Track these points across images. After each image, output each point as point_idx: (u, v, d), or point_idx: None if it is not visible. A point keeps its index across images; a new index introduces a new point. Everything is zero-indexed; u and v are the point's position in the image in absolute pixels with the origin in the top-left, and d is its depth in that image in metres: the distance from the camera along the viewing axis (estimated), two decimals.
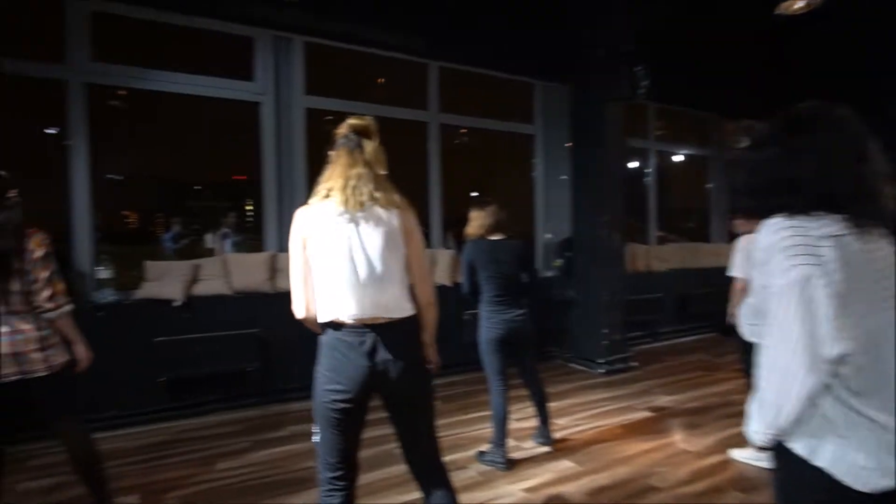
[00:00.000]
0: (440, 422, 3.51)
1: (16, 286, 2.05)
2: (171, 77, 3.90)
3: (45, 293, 2.10)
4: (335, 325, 1.70)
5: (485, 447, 3.20)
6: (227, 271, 4.14)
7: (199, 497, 2.79)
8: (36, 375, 2.07)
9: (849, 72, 6.62)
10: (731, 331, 3.34)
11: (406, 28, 4.48)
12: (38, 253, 2.10)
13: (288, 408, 4.09)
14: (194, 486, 2.89)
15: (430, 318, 1.85)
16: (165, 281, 3.93)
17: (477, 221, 3.12)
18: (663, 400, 4.33)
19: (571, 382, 4.82)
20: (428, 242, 5.10)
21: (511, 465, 3.07)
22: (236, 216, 6.58)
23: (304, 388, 4.19)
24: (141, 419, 3.75)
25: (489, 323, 3.08)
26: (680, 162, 7.55)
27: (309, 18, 4.10)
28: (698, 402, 4.26)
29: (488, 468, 3.04)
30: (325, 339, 1.74)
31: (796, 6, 4.21)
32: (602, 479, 2.93)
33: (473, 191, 6.11)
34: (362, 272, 1.65)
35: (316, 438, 1.75)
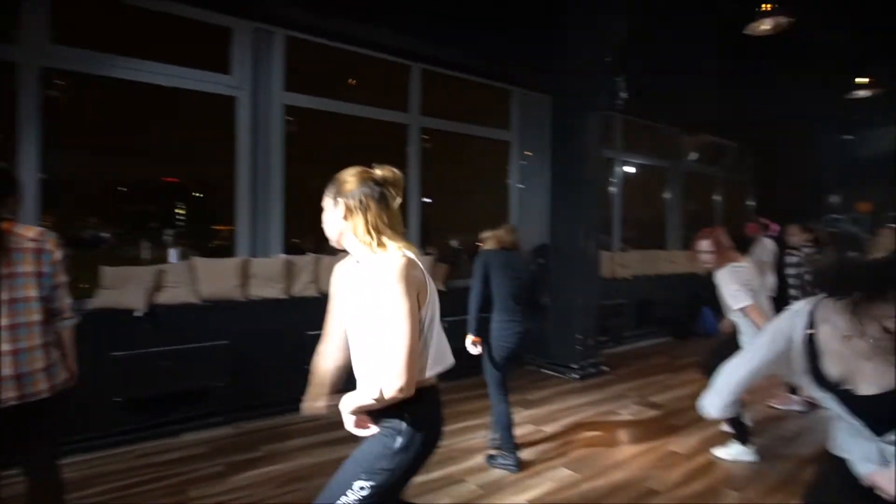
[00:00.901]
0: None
1: (33, 292, 1.80)
2: (139, 65, 3.57)
3: (68, 300, 1.93)
4: (432, 384, 1.60)
5: (494, 452, 3.18)
6: (194, 278, 3.83)
7: None
8: (39, 398, 1.80)
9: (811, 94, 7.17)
10: (686, 335, 3.49)
11: (391, 27, 4.36)
12: (58, 255, 1.88)
13: (263, 425, 3.82)
14: None
15: None
16: (125, 289, 3.58)
17: (496, 235, 3.21)
18: (640, 403, 4.43)
19: (549, 388, 4.84)
20: None
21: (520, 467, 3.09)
22: (163, 221, 5.98)
23: (279, 402, 3.99)
24: (98, 444, 3.37)
25: (504, 334, 3.08)
26: (637, 172, 7.81)
27: (293, 11, 3.89)
28: (673, 404, 4.38)
29: (486, 481, 2.96)
30: (427, 400, 1.57)
31: (763, 27, 4.48)
32: (601, 485, 2.93)
33: (447, 196, 6.03)
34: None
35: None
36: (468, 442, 3.52)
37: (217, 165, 4.52)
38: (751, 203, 9.15)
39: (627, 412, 4.21)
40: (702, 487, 2.91)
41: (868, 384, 1.21)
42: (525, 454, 3.29)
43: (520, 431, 3.70)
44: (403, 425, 1.49)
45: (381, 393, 1.39)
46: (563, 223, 5.39)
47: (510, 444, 3.10)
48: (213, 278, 3.87)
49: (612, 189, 7.03)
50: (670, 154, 7.79)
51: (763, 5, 4.48)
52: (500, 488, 2.88)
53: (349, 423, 1.55)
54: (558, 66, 5.22)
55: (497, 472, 3.06)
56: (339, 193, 1.54)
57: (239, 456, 3.30)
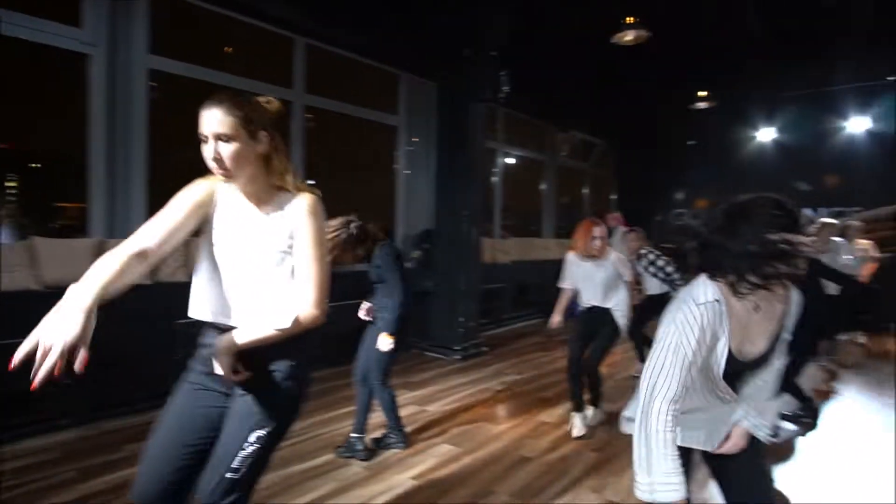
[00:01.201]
0: (305, 423, 3.38)
1: None
2: None
3: None
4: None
5: (379, 434, 3.24)
6: (36, 261, 3.33)
7: None
8: None
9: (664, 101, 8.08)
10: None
11: None
12: None
13: (125, 423, 3.46)
14: None
15: None
16: None
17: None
18: (515, 379, 4.75)
19: (432, 370, 4.99)
20: None
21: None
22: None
23: (144, 399, 3.61)
24: None
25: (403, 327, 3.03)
26: (516, 164, 8.29)
27: None
28: (545, 379, 4.77)
29: (372, 463, 3.00)
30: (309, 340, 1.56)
31: (626, 38, 4.98)
32: (480, 457, 3.12)
33: (333, 179, 5.88)
34: None
35: None
36: (349, 428, 3.51)
37: (63, 133, 3.94)
38: (614, 197, 10.17)
39: (505, 387, 4.50)
40: (568, 451, 3.23)
41: (752, 347, 1.38)
42: (409, 433, 3.39)
43: (404, 413, 3.77)
44: (294, 365, 1.49)
45: (297, 322, 1.42)
46: (448, 210, 5.55)
47: (397, 423, 3.18)
48: (60, 262, 3.40)
49: (494, 179, 7.38)
50: (545, 148, 8.36)
51: (627, 18, 4.98)
52: (386, 468, 2.93)
53: (224, 365, 1.40)
54: (445, 55, 5.32)
55: (382, 454, 3.11)
56: (259, 122, 1.40)
57: (95, 459, 2.96)
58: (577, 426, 3.45)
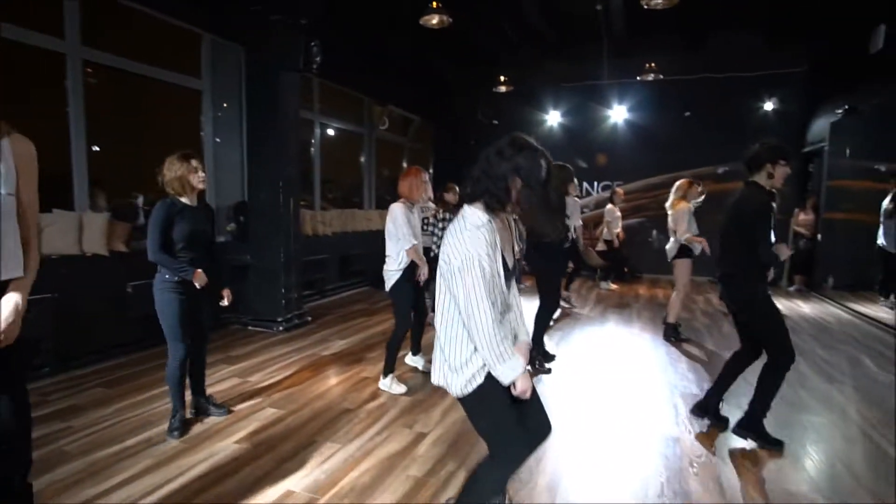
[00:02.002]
0: (111, 408, 3.18)
1: None
2: None
3: None
4: None
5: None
6: None
7: None
8: None
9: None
10: (382, 283, 3.98)
11: None
12: None
13: None
14: None
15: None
16: None
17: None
18: (339, 344, 4.98)
19: (254, 343, 4.94)
20: (71, 204, 4.20)
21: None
22: None
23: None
24: None
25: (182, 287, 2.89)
26: (336, 137, 8.31)
27: None
28: (368, 341, 5.08)
29: (189, 436, 2.96)
30: None
31: (433, 21, 5.36)
32: (304, 414, 3.30)
33: (127, 145, 5.25)
34: None
35: None
36: (165, 406, 3.38)
37: None
38: (431, 171, 10.84)
39: (328, 352, 4.69)
40: (384, 399, 3.58)
41: (508, 258, 1.74)
42: (232, 403, 3.40)
43: (224, 386, 3.77)
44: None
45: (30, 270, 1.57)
46: (262, 181, 5.42)
47: (180, 402, 3.02)
48: None
49: (312, 150, 7.33)
50: (364, 121, 8.54)
51: (433, 3, 5.37)
52: (206, 438, 2.93)
53: None
54: (254, 20, 5.10)
55: (199, 426, 3.08)
56: None
57: None
58: (396, 386, 3.71)
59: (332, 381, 3.95)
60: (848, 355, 4.81)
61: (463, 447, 2.83)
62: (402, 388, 3.70)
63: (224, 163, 5.63)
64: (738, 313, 2.99)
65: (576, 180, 5.30)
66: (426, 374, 4.11)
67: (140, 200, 5.39)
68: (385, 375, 3.76)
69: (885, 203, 6.80)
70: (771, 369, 2.86)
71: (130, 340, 4.43)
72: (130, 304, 4.30)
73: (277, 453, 2.76)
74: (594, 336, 5.45)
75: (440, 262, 1.69)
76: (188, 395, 3.13)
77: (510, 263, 1.77)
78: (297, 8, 5.03)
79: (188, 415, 3.15)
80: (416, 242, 3.64)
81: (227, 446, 2.83)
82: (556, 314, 5.78)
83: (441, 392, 3.71)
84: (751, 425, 2.92)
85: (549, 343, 4.89)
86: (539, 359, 4.30)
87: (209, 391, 3.34)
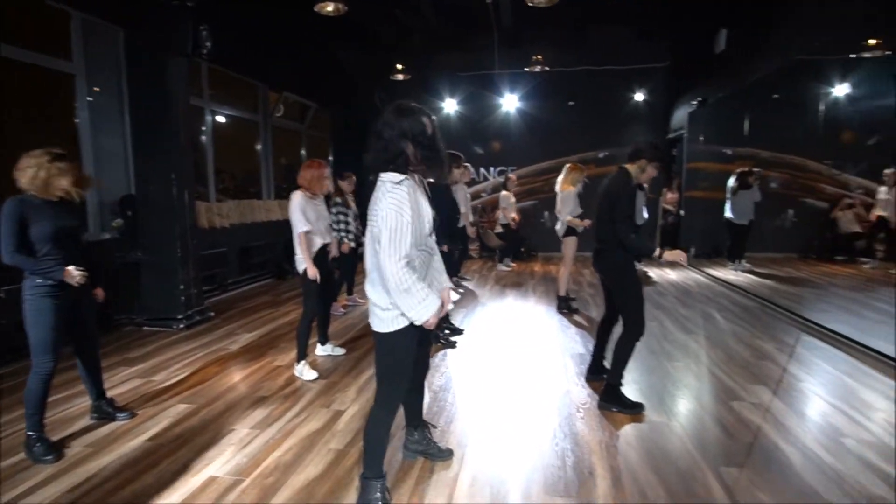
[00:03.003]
0: (7, 418, 2.97)
1: None
2: None
3: None
4: None
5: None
6: None
7: None
8: None
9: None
10: (285, 274, 4.03)
11: None
12: None
13: None
14: None
15: None
16: None
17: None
18: (246, 337, 4.91)
19: (154, 343, 4.72)
20: None
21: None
22: None
23: None
24: None
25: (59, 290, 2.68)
26: (230, 125, 7.96)
27: None
28: (276, 332, 5.06)
29: (95, 439, 2.86)
30: None
31: (327, 9, 5.34)
32: (218, 406, 3.29)
33: None
34: None
35: None
36: (68, 411, 3.21)
37: None
38: (331, 158, 10.71)
39: (236, 346, 4.63)
40: (298, 385, 3.67)
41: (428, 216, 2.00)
42: (136, 405, 3.30)
43: (127, 387, 3.63)
44: None
45: None
46: (152, 173, 5.12)
47: (39, 425, 2.71)
48: None
49: (204, 139, 6.99)
50: (259, 109, 8.26)
51: None
52: (113, 440, 2.84)
53: None
54: None
55: (106, 428, 2.98)
56: None
57: None
58: (308, 372, 3.78)
59: (244, 372, 3.94)
60: (702, 311, 5.69)
61: None
62: (313, 374, 3.77)
63: (105, 153, 5.23)
64: (605, 281, 3.43)
65: (468, 166, 5.62)
66: (338, 357, 4.24)
67: None
68: (298, 362, 3.83)
69: (730, 182, 7.99)
70: (623, 339, 3.16)
71: (5, 350, 4.05)
72: (3, 310, 3.93)
73: (195, 444, 2.77)
74: (494, 311, 5.88)
75: (369, 221, 1.93)
76: (88, 401, 3.00)
77: (430, 215, 2.03)
78: None
79: (91, 420, 3.03)
80: (304, 230, 3.66)
81: (139, 445, 2.78)
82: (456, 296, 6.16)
83: (355, 372, 3.89)
84: (611, 397, 3.16)
85: (455, 319, 5.22)
86: (445, 333, 4.60)
87: (109, 394, 3.21)
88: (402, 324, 1.97)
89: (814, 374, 3.78)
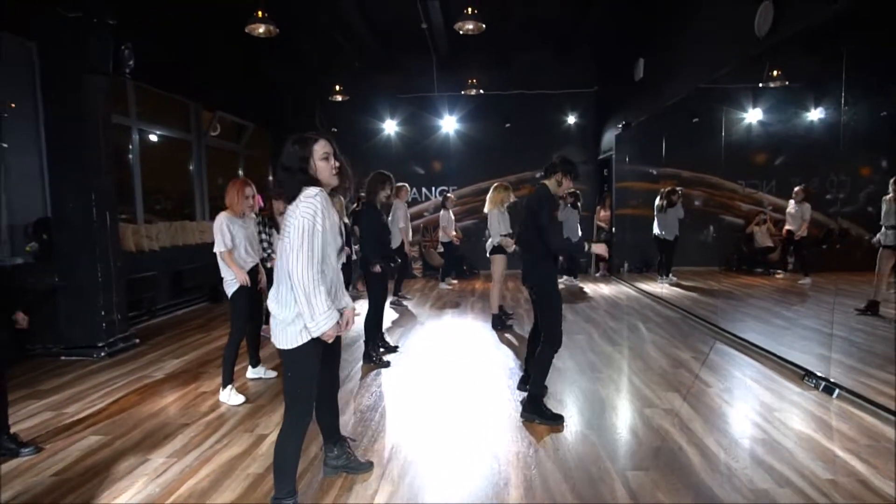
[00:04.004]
0: None
1: None
2: None
3: None
4: None
5: None
6: None
7: None
8: None
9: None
10: (220, 298, 3.99)
11: None
12: None
13: None
14: None
15: None
16: None
17: None
18: (174, 363, 4.74)
19: (70, 373, 4.47)
20: None
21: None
22: None
23: None
24: None
25: None
26: (162, 144, 7.72)
27: None
28: (205, 357, 4.91)
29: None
30: None
31: (259, 30, 5.35)
32: (134, 436, 3.16)
33: None
34: None
35: None
36: None
37: None
38: (270, 178, 10.54)
39: (161, 373, 4.45)
40: (225, 409, 3.58)
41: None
42: (43, 439, 3.12)
43: (33, 422, 3.42)
44: None
45: None
46: (69, 193, 4.91)
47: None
48: None
49: (131, 157, 6.74)
50: (192, 128, 8.07)
51: (258, 12, 5.37)
52: (14, 476, 2.67)
53: None
54: (45, 15, 4.60)
55: (7, 465, 2.80)
56: None
57: None
58: (234, 397, 3.70)
59: (167, 400, 3.80)
60: (629, 323, 5.99)
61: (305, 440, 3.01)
62: (240, 399, 3.69)
63: (17, 172, 4.95)
64: (532, 293, 3.58)
65: (404, 185, 5.70)
66: (267, 380, 4.17)
67: None
68: (224, 387, 3.74)
69: (657, 200, 8.50)
70: (542, 352, 3.30)
71: None
72: None
73: (104, 477, 2.65)
74: (432, 329, 5.95)
75: (282, 231, 2.03)
76: None
77: (342, 232, 2.13)
78: (101, 7, 4.65)
79: None
80: (220, 250, 3.66)
81: (41, 481, 2.63)
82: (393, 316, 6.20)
83: (282, 397, 3.82)
84: (533, 408, 3.25)
85: (391, 337, 5.25)
86: (380, 351, 4.62)
87: (13, 429, 3.02)
88: (304, 339, 2.03)
89: (723, 379, 4.06)
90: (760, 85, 8.65)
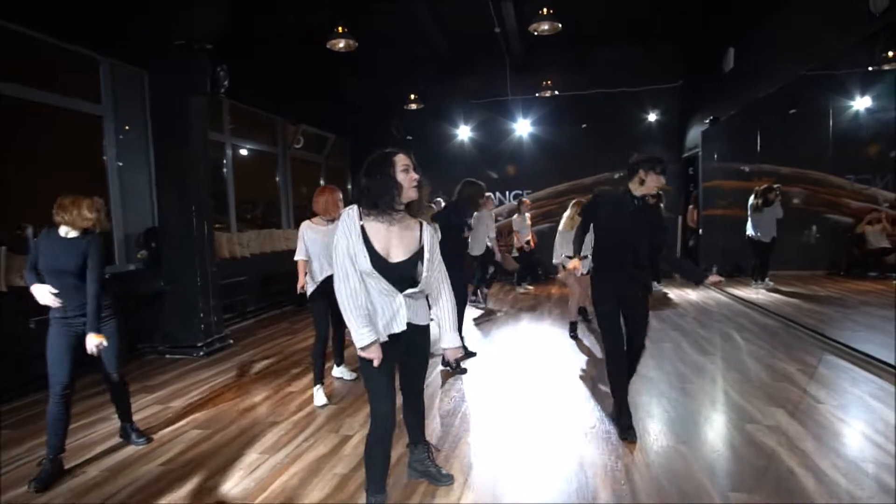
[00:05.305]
0: (28, 445, 3.08)
1: None
2: None
3: None
4: None
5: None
6: None
7: None
8: None
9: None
10: (305, 302, 4.10)
11: None
12: None
13: None
14: None
15: None
16: None
17: None
18: (264, 363, 5.01)
19: (174, 371, 4.85)
20: None
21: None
22: None
23: None
24: None
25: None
26: (250, 157, 8.26)
27: None
28: (292, 359, 5.15)
29: (110, 464, 2.96)
30: None
31: (339, 45, 5.59)
32: (231, 432, 3.36)
33: (11, 174, 4.96)
34: None
35: None
36: (80, 441, 3.31)
37: None
38: (350, 187, 10.96)
39: (253, 372, 4.72)
40: (310, 409, 3.72)
41: (396, 252, 2.10)
42: (153, 430, 3.39)
43: (145, 414, 3.72)
44: None
45: None
46: (173, 205, 5.36)
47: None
48: None
49: (225, 171, 7.26)
50: (278, 141, 8.56)
51: (338, 28, 5.60)
52: (127, 465, 2.93)
53: None
54: (156, 45, 5.07)
55: (121, 453, 3.07)
56: None
57: None
58: (319, 397, 3.83)
59: (258, 398, 4.02)
60: (721, 332, 5.57)
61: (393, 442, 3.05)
62: (323, 400, 3.79)
63: (131, 188, 5.49)
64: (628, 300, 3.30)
65: (489, 195, 5.70)
66: (352, 382, 4.29)
67: (30, 231, 5.11)
68: (314, 385, 3.89)
69: (751, 199, 7.88)
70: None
71: (31, 379, 4.21)
72: (32, 342, 4.11)
73: (205, 469, 2.83)
74: (509, 334, 5.87)
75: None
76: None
77: (397, 256, 2.10)
78: (200, 33, 5.06)
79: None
80: (302, 258, 3.80)
81: (151, 470, 2.86)
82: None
83: (365, 398, 3.91)
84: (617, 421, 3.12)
85: (470, 342, 5.23)
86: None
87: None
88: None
89: (836, 395, 3.65)
90: (870, 69, 7.80)
